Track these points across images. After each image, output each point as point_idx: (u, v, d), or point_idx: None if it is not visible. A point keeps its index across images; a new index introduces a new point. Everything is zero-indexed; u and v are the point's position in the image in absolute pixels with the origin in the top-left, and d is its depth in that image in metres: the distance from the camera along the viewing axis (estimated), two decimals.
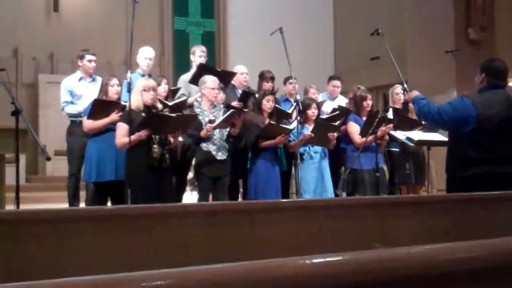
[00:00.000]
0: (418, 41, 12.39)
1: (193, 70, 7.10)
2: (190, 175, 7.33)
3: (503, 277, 1.56)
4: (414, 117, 7.09)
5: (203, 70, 6.80)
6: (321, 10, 14.48)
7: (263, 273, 1.24)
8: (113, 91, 6.18)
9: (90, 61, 6.89)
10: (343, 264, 1.28)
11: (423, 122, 6.76)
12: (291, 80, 7.16)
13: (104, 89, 6.26)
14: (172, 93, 6.87)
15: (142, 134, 5.48)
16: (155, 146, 5.55)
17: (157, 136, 5.57)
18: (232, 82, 7.32)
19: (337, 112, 7.00)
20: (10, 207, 4.84)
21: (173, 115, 5.73)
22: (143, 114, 5.59)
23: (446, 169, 4.76)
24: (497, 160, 4.46)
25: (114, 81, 6.23)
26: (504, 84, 4.69)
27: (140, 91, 5.69)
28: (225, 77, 7.00)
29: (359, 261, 1.30)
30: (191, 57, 7.38)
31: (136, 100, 5.65)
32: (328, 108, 7.54)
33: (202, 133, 6.04)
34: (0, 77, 5.59)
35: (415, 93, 5.08)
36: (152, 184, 5.51)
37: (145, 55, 7.03)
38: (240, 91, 7.12)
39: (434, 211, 3.50)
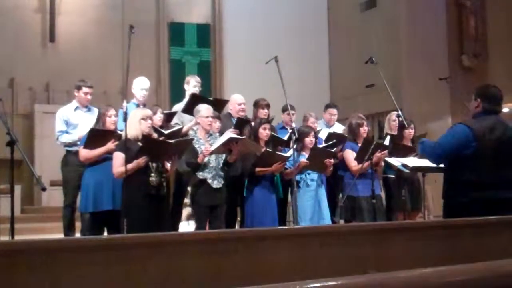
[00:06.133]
0: (413, 68, 12.50)
1: (186, 99, 7.13)
2: (186, 208, 7.33)
3: None
4: (409, 143, 7.13)
5: (195, 99, 6.84)
6: (316, 38, 14.61)
7: None
8: (110, 121, 6.19)
9: (86, 93, 6.92)
10: None
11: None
12: (288, 111, 7.14)
13: (101, 119, 6.27)
14: (168, 117, 6.88)
15: (141, 161, 5.47)
16: (152, 174, 5.54)
17: (154, 164, 5.57)
18: (229, 111, 7.35)
19: (334, 140, 7.01)
20: (5, 238, 4.80)
21: (172, 141, 5.74)
22: (139, 143, 5.59)
23: (443, 194, 4.75)
24: (496, 185, 4.46)
25: (112, 111, 6.25)
26: (499, 110, 4.72)
27: (138, 121, 5.69)
28: (218, 106, 7.03)
29: (352, 285, 1.29)
30: (185, 86, 7.42)
31: (134, 130, 5.64)
32: (324, 135, 7.56)
33: (199, 159, 6.04)
34: None
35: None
36: (149, 213, 5.49)
37: (141, 86, 7.05)
38: (235, 119, 7.14)
39: (430, 236, 3.49)
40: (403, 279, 1.42)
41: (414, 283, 1.41)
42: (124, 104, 5.80)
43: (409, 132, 7.23)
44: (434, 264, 1.63)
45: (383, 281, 1.38)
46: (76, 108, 6.93)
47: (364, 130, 7.00)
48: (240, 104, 7.30)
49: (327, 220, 6.65)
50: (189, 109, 6.69)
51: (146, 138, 5.64)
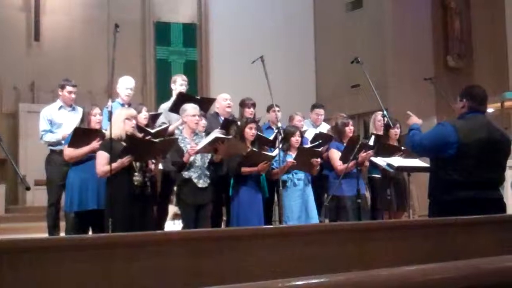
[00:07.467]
0: (398, 68, 12.56)
1: (173, 98, 7.12)
2: (171, 207, 7.32)
3: None
4: (395, 143, 7.16)
5: (182, 98, 6.82)
6: (302, 38, 14.64)
7: None
8: (95, 120, 6.18)
9: (70, 92, 6.87)
10: (321, 286, 1.28)
11: (402, 148, 6.82)
12: (274, 108, 7.16)
13: (86, 118, 6.26)
14: (153, 118, 6.87)
15: (125, 160, 5.45)
16: (136, 173, 5.52)
17: (138, 164, 5.55)
18: (216, 109, 7.35)
19: (320, 141, 7.02)
20: None
21: (156, 140, 5.73)
22: (123, 143, 5.56)
23: (428, 193, 4.78)
24: (480, 184, 4.49)
25: (96, 110, 6.25)
26: (484, 110, 4.77)
27: (123, 120, 5.67)
28: (205, 104, 7.02)
29: (335, 283, 1.30)
30: (172, 85, 7.40)
31: (118, 129, 5.62)
32: (310, 135, 7.57)
33: (185, 158, 6.03)
34: None
35: (415, 121, 5.08)
36: (133, 213, 5.46)
37: (126, 85, 7.02)
38: (222, 119, 7.14)
39: (414, 236, 3.51)
40: (386, 277, 1.43)
41: (397, 281, 1.41)
42: (109, 103, 5.78)
43: (395, 132, 7.25)
44: (419, 263, 1.64)
45: (366, 279, 1.38)
46: (60, 107, 6.89)
47: (349, 129, 7.02)
48: (226, 100, 7.30)
49: (314, 219, 6.66)
50: (176, 108, 6.67)
51: (130, 137, 5.61)
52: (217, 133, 6.25)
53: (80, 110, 6.85)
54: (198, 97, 7.48)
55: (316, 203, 6.85)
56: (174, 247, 2.91)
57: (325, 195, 7.06)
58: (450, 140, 4.50)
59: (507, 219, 4.14)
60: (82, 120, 6.41)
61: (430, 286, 1.45)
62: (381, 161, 6.63)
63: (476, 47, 13.12)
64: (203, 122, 6.62)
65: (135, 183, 5.49)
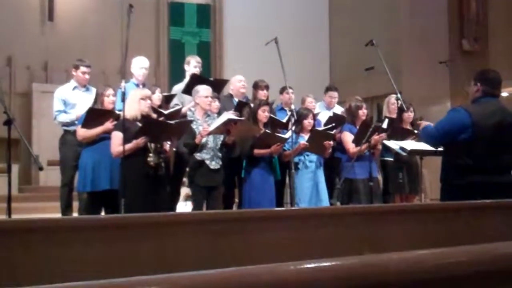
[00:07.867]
0: (413, 51, 12.45)
1: (186, 80, 7.12)
2: (183, 188, 7.34)
3: (486, 284, 1.56)
4: (408, 127, 7.12)
5: (195, 80, 6.82)
6: (316, 20, 14.54)
7: (255, 278, 1.24)
8: (108, 101, 6.18)
9: (84, 73, 6.89)
10: (332, 269, 1.29)
11: (416, 132, 6.78)
12: (287, 90, 7.16)
13: (99, 99, 6.27)
14: (167, 99, 6.87)
15: (140, 141, 5.47)
16: (151, 154, 5.53)
17: (152, 145, 5.56)
18: (230, 91, 7.35)
19: (333, 124, 7.00)
20: (2, 217, 4.80)
21: (172, 122, 5.73)
22: (138, 124, 5.58)
23: (440, 177, 4.77)
24: (492, 169, 4.48)
25: (110, 91, 6.24)
26: (498, 94, 4.73)
27: (138, 100, 5.68)
28: (218, 86, 7.01)
29: (347, 266, 1.30)
30: (185, 66, 7.39)
31: (133, 110, 5.63)
32: (324, 117, 7.54)
33: (197, 140, 6.04)
34: None
35: (426, 124, 5.15)
36: (147, 193, 5.49)
37: (141, 65, 7.02)
38: (236, 100, 7.13)
39: (425, 219, 3.50)
40: (397, 260, 1.43)
41: (408, 264, 1.41)
42: (123, 84, 5.78)
43: (408, 115, 7.22)
44: (430, 246, 1.64)
45: (377, 262, 1.38)
46: (74, 87, 6.91)
47: (363, 112, 6.99)
48: (240, 81, 7.32)
49: (325, 202, 6.66)
50: (189, 90, 6.68)
51: (146, 118, 5.63)
52: (229, 114, 6.25)
53: (93, 91, 6.86)
54: (211, 79, 7.47)
55: (328, 185, 6.84)
56: (186, 228, 2.92)
57: (337, 178, 7.04)
58: (464, 125, 4.48)
59: None
60: (95, 101, 6.42)
61: (441, 270, 1.45)
62: (394, 144, 6.61)
63: (492, 31, 12.96)
64: (217, 103, 6.63)
65: (150, 164, 5.51)
